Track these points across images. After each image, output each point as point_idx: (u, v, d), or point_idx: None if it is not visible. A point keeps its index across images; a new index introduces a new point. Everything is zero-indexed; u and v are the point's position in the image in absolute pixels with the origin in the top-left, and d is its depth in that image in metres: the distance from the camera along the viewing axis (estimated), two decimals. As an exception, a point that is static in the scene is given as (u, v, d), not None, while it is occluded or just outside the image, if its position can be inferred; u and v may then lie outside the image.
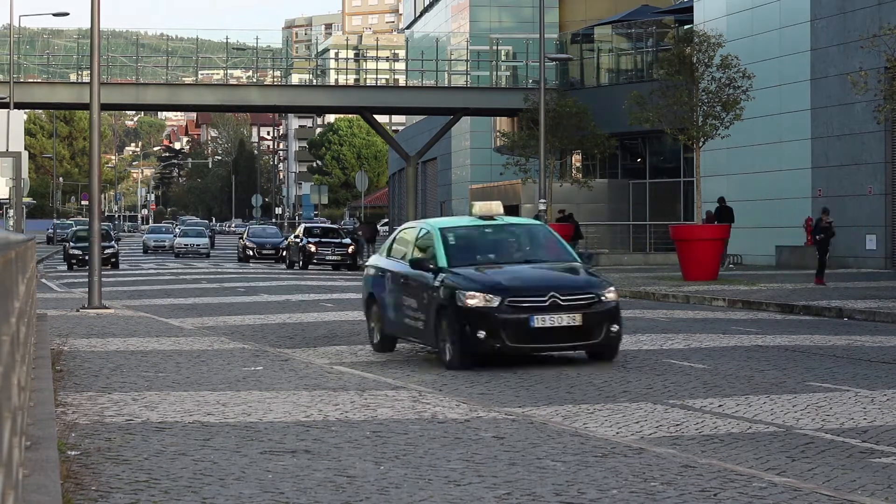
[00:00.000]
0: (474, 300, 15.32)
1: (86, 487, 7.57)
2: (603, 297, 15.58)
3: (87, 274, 24.74)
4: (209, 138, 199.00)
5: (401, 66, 63.28)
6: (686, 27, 45.84)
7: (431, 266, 16.29)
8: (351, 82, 64.54)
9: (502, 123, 60.97)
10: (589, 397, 12.68)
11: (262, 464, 8.46)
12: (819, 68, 40.24)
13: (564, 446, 9.22)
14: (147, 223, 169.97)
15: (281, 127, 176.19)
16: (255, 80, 69.16)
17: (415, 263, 16.64)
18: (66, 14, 59.57)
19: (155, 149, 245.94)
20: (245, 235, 61.42)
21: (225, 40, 62.62)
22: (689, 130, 33.67)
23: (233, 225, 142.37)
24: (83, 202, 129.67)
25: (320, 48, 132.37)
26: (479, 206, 17.16)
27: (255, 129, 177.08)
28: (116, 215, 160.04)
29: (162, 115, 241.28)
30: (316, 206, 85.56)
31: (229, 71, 66.99)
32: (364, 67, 70.31)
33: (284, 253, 54.41)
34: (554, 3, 64.08)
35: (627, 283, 32.78)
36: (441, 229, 16.90)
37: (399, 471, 8.25)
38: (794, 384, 13.41)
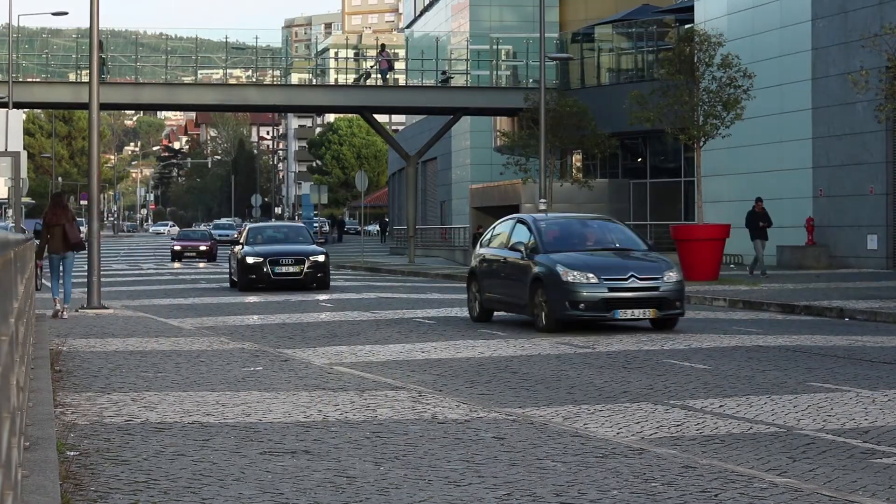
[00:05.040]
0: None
1: (85, 488, 7.55)
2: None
3: (87, 274, 24.73)
4: (208, 138, 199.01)
5: (401, 65, 63.21)
6: (687, 26, 45.80)
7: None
8: (351, 82, 64.47)
9: (502, 123, 60.92)
10: (589, 398, 12.65)
11: (262, 464, 8.43)
12: (820, 68, 40.20)
13: (565, 447, 9.20)
14: (147, 222, 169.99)
15: (281, 127, 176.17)
16: (254, 80, 69.10)
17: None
18: (66, 13, 59.64)
19: (154, 148, 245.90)
20: None
21: (224, 40, 62.48)
22: (689, 130, 33.64)
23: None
24: (82, 202, 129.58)
25: (320, 48, 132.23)
26: None
27: (254, 129, 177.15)
28: (116, 214, 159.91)
29: (161, 114, 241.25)
30: (316, 205, 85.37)
31: (229, 70, 66.78)
32: (364, 67, 70.17)
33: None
34: (554, 3, 64.01)
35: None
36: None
37: (399, 471, 8.23)
38: (795, 384, 13.39)
